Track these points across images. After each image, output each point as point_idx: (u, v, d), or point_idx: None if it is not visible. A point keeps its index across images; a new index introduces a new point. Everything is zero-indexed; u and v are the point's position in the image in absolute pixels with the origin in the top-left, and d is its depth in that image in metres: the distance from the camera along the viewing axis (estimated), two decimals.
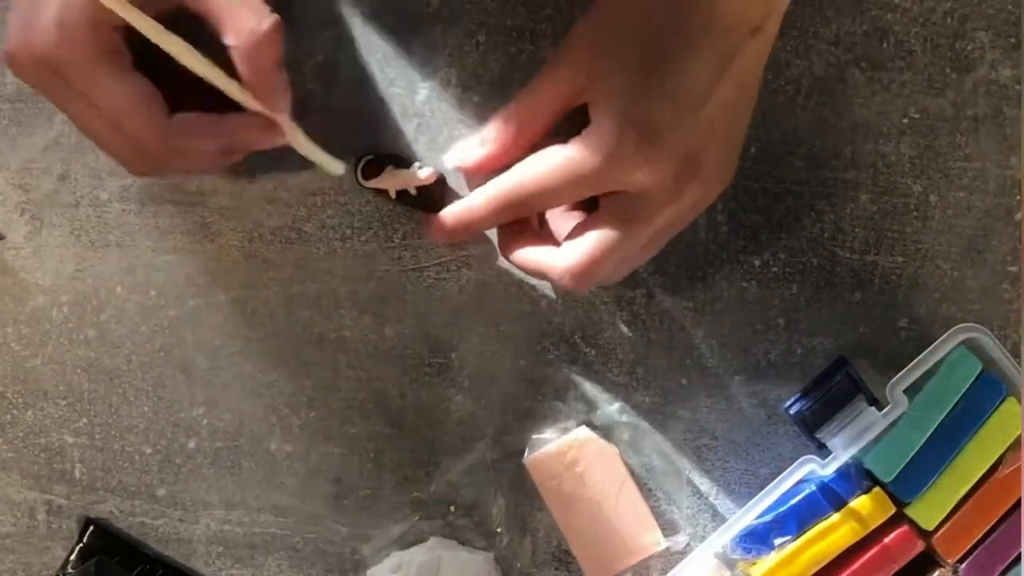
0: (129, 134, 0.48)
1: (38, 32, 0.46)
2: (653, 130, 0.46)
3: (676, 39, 0.46)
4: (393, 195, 0.54)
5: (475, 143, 0.51)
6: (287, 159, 0.55)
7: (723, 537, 0.51)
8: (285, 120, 0.49)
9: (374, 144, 0.55)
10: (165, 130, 0.48)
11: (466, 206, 0.51)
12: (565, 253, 0.50)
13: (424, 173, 0.54)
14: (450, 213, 0.52)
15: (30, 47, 0.46)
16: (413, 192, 0.54)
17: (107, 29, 0.46)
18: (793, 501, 0.52)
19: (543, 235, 0.53)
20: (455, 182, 0.55)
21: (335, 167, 0.52)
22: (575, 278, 0.49)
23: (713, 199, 0.50)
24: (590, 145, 0.47)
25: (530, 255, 0.52)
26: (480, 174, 0.52)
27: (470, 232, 0.52)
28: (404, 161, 0.54)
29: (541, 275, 0.52)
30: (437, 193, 0.54)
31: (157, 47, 0.47)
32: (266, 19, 0.46)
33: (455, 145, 0.53)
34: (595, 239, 0.49)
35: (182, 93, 0.48)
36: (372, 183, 0.54)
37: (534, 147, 0.50)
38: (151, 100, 0.47)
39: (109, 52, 0.47)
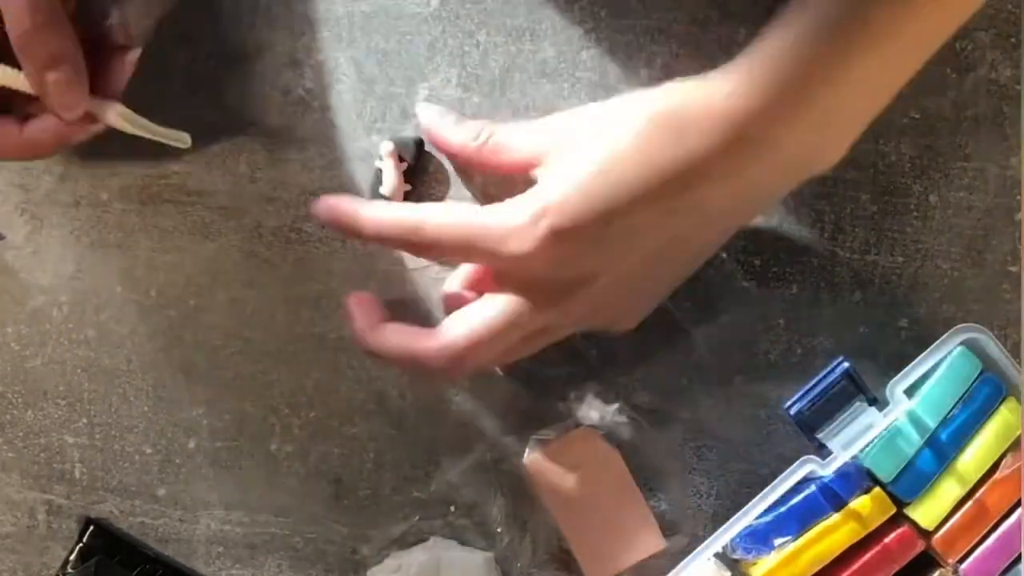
0: None
1: None
2: (570, 231, 0.46)
3: (643, 181, 0.46)
4: (409, 185, 0.54)
5: (449, 124, 0.53)
6: (287, 159, 0.56)
7: (723, 537, 0.51)
8: (102, 107, 0.48)
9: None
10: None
11: (354, 216, 0.51)
12: (439, 332, 0.50)
13: (385, 149, 0.54)
14: (330, 208, 0.51)
15: None
16: (406, 164, 0.54)
17: None
18: (793, 501, 0.52)
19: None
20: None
21: (182, 139, 0.51)
22: (451, 358, 0.49)
23: (588, 328, 0.51)
24: (500, 213, 0.48)
25: (398, 337, 0.51)
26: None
27: (345, 233, 0.52)
28: (375, 173, 0.55)
29: (410, 360, 0.51)
30: (411, 143, 0.54)
31: None
32: (37, 13, 0.44)
33: (433, 107, 0.54)
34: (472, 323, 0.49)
35: None
36: None
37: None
38: None
39: None
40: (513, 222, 0.47)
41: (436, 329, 0.50)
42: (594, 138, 0.47)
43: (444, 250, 0.50)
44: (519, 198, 0.48)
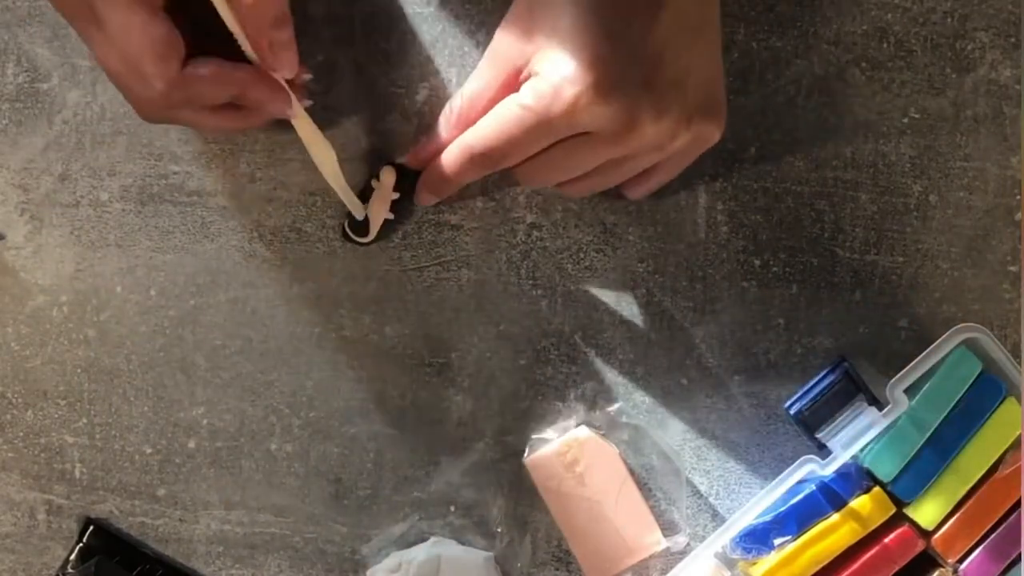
0: (141, 74, 0.47)
1: None
2: (592, 64, 0.46)
3: None
4: (392, 216, 0.54)
5: (427, 138, 0.53)
6: (287, 159, 0.56)
7: (723, 537, 0.51)
8: (292, 95, 0.50)
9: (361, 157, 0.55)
10: (177, 75, 0.47)
11: (438, 169, 0.52)
12: (527, 174, 0.51)
13: (387, 176, 0.54)
14: (426, 177, 0.53)
15: None
16: (397, 195, 0.54)
17: None
18: (793, 501, 0.52)
19: None
20: None
21: (330, 157, 0.53)
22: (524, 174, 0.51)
23: (685, 143, 0.49)
24: (537, 88, 0.47)
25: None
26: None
27: (448, 190, 0.53)
28: (364, 193, 0.55)
29: (469, 164, 0.51)
30: (407, 176, 0.54)
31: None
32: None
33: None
34: (554, 176, 0.50)
35: (208, 45, 0.48)
36: (372, 231, 0.55)
37: None
38: (169, 43, 0.47)
39: None
40: (546, 88, 0.47)
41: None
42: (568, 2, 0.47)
43: (515, 148, 0.49)
44: (538, 74, 0.47)
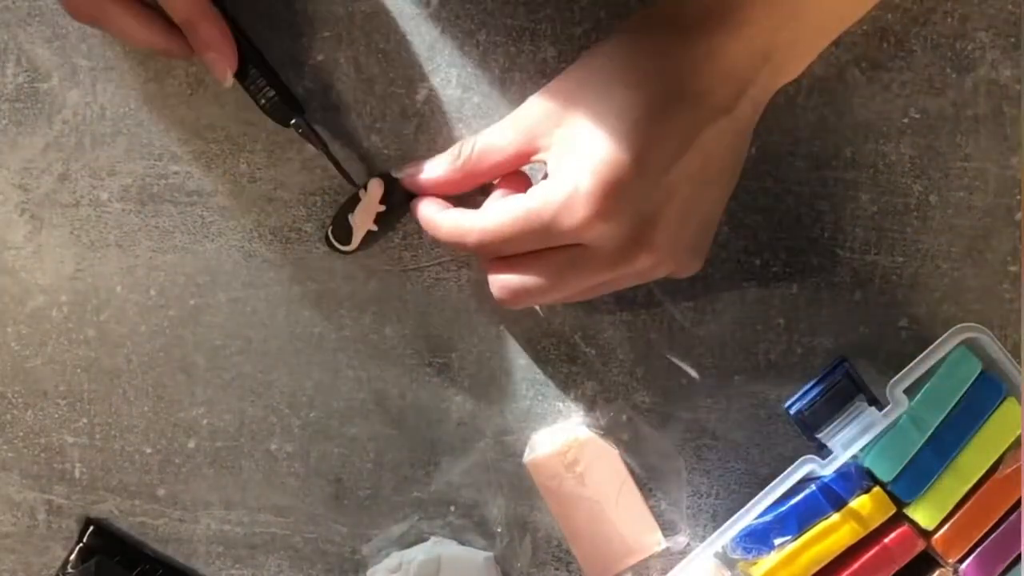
0: None
1: None
2: (611, 185, 0.46)
3: (645, 104, 0.47)
4: (376, 228, 0.54)
5: (429, 166, 0.53)
6: (287, 159, 0.56)
7: (723, 537, 0.51)
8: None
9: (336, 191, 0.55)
10: None
11: (430, 224, 0.53)
12: (496, 267, 0.51)
13: (375, 187, 0.54)
14: (419, 216, 0.53)
15: None
16: (383, 207, 0.54)
17: None
18: (793, 501, 0.52)
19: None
20: None
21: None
22: (504, 296, 0.51)
23: (663, 274, 0.50)
24: (548, 194, 0.48)
25: (451, 218, 0.52)
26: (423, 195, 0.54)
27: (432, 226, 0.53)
28: (350, 202, 0.54)
29: (458, 244, 0.52)
30: (396, 191, 0.54)
31: None
32: None
33: (409, 162, 0.54)
34: (524, 280, 0.50)
35: None
36: (355, 240, 0.54)
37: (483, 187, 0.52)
38: None
39: None
40: (557, 197, 0.47)
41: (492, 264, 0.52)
42: (589, 95, 0.48)
43: (510, 244, 0.50)
44: (553, 176, 0.48)
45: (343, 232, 0.54)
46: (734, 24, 0.46)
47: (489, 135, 0.51)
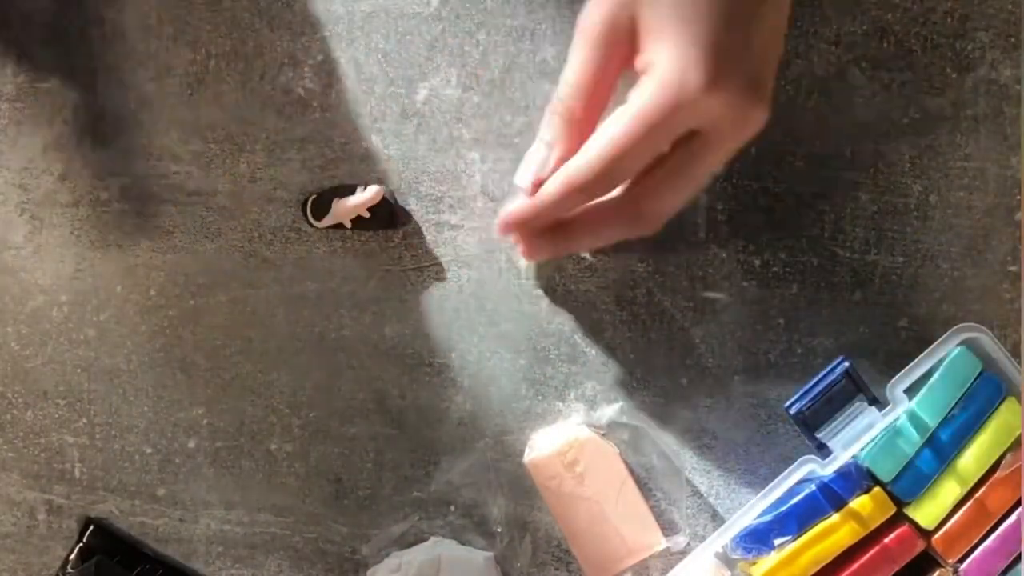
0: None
1: None
2: (717, 54, 0.44)
3: None
4: (349, 225, 0.54)
5: (542, 149, 0.49)
6: (287, 159, 0.56)
7: (723, 537, 0.51)
8: None
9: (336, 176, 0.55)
10: None
11: (541, 195, 0.48)
12: (634, 192, 0.48)
13: (371, 192, 0.54)
14: (520, 209, 0.50)
15: None
16: (367, 215, 0.54)
17: None
18: (793, 501, 0.52)
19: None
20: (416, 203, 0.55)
21: None
22: (655, 224, 0.48)
23: (763, 125, 0.47)
24: (659, 83, 0.44)
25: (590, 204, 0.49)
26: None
27: (543, 221, 0.50)
28: (345, 190, 0.55)
29: (575, 189, 0.48)
30: (386, 210, 0.54)
31: None
32: None
33: (523, 163, 0.50)
34: (662, 197, 0.48)
35: None
36: (325, 222, 0.54)
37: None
38: None
39: None
40: (678, 81, 0.44)
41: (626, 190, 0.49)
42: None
43: (635, 155, 0.46)
44: (660, 63, 0.45)
45: (320, 209, 0.55)
46: None
47: (563, 78, 0.48)
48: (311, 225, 0.55)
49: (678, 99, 0.44)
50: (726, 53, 0.44)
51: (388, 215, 0.55)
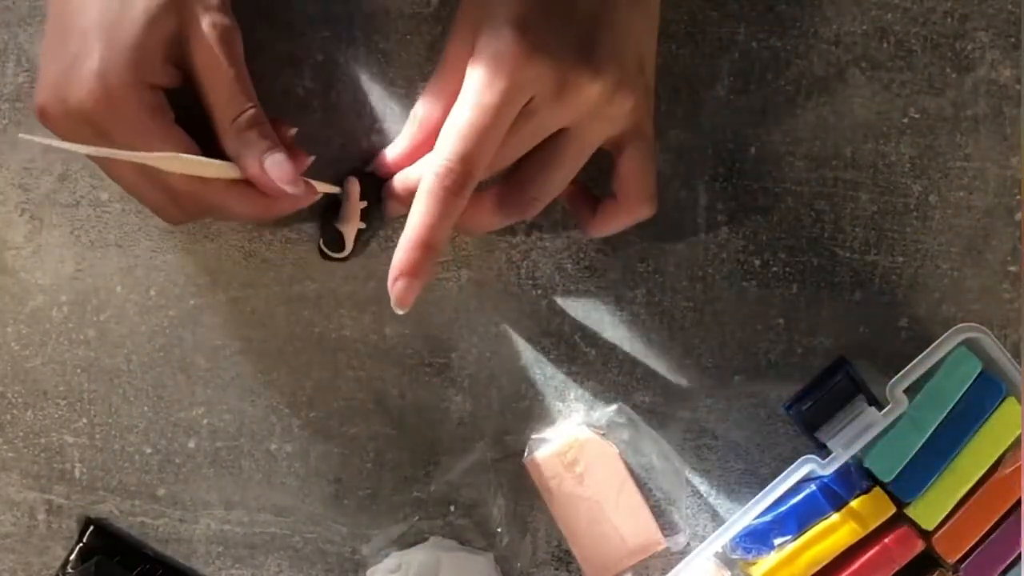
0: (167, 188, 0.48)
1: (76, 87, 0.46)
2: (527, 24, 0.45)
3: None
4: (364, 224, 0.54)
5: (392, 146, 0.53)
6: None
7: (723, 537, 0.51)
8: (301, 187, 0.49)
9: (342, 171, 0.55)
10: (201, 187, 0.48)
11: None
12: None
13: (351, 186, 0.54)
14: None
15: (66, 102, 0.46)
16: (365, 204, 0.54)
17: (149, 88, 0.47)
18: (793, 501, 0.52)
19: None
20: None
21: (334, 188, 0.53)
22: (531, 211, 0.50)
23: (628, 106, 0.48)
24: (478, 65, 0.46)
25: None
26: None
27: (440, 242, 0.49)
28: (331, 207, 0.54)
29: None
30: (375, 181, 0.54)
31: (197, 101, 0.48)
32: (247, 110, 0.47)
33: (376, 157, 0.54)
34: (539, 159, 0.50)
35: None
36: (348, 246, 0.54)
37: None
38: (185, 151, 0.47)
39: (152, 109, 0.47)
40: (498, 59, 0.46)
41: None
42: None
43: (493, 141, 0.47)
44: (480, 48, 0.47)
45: (334, 240, 0.54)
46: None
47: (428, 92, 0.51)
48: (342, 260, 0.55)
49: (497, 74, 0.46)
50: (540, 22, 0.46)
51: (379, 185, 0.54)
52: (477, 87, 0.46)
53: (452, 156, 0.47)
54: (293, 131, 0.51)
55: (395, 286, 0.48)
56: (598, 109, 0.48)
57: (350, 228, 0.54)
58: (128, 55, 0.46)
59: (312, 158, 0.51)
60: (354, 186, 0.53)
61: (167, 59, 0.47)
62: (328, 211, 0.54)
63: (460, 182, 0.47)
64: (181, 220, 0.51)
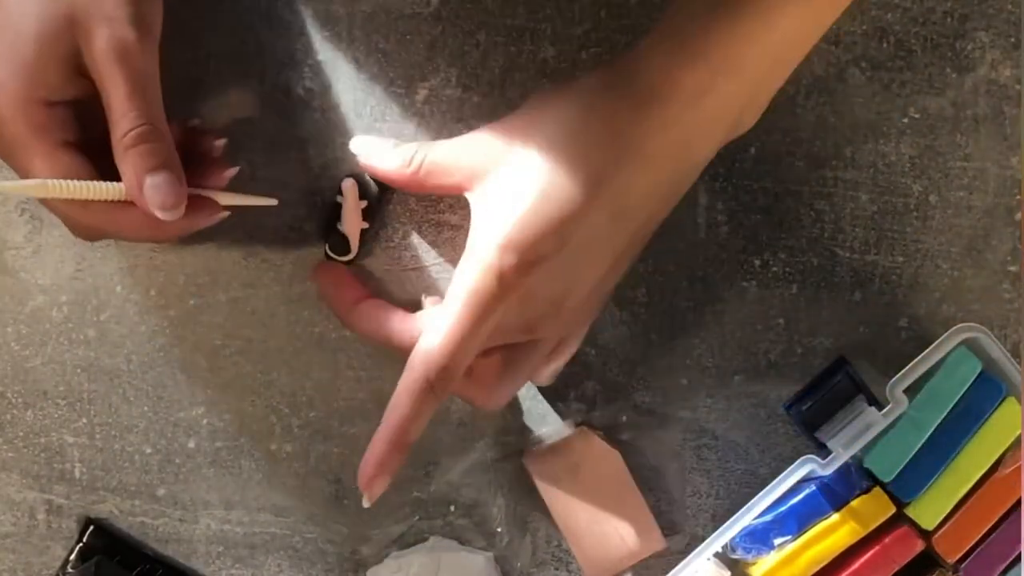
0: (55, 210, 0.48)
1: None
2: (526, 258, 0.46)
3: (585, 171, 0.46)
4: (367, 224, 0.54)
5: (379, 155, 0.52)
6: (287, 159, 0.56)
7: (723, 537, 0.51)
8: (176, 213, 0.47)
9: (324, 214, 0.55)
10: (81, 211, 0.47)
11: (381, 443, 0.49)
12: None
13: (349, 188, 0.53)
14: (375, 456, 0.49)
15: None
16: (365, 203, 0.54)
17: (39, 105, 0.46)
18: (793, 501, 0.52)
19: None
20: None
21: (270, 200, 0.53)
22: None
23: (546, 341, 0.50)
24: (475, 266, 0.47)
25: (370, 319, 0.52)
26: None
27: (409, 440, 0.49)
28: (332, 211, 0.54)
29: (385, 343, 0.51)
30: (373, 179, 0.54)
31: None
32: (136, 128, 0.46)
33: (364, 138, 0.53)
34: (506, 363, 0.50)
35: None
36: (353, 251, 0.54)
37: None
38: (80, 177, 0.46)
39: (37, 128, 0.46)
40: (494, 268, 0.46)
41: (411, 321, 0.51)
42: (524, 158, 0.47)
43: (482, 342, 0.48)
44: (468, 253, 0.47)
45: (339, 243, 0.54)
46: (693, 94, 0.46)
47: (440, 154, 0.50)
48: (348, 262, 0.55)
49: (498, 281, 0.46)
50: (540, 254, 0.46)
51: (377, 183, 0.54)
52: (471, 283, 0.47)
53: (441, 357, 0.47)
54: (220, 143, 0.51)
55: (373, 484, 0.48)
56: (527, 334, 0.49)
57: (353, 229, 0.54)
58: (20, 72, 0.45)
59: (235, 169, 0.51)
60: (352, 188, 0.54)
61: (74, 73, 0.46)
62: (329, 215, 0.54)
63: (445, 384, 0.47)
64: (85, 238, 0.50)
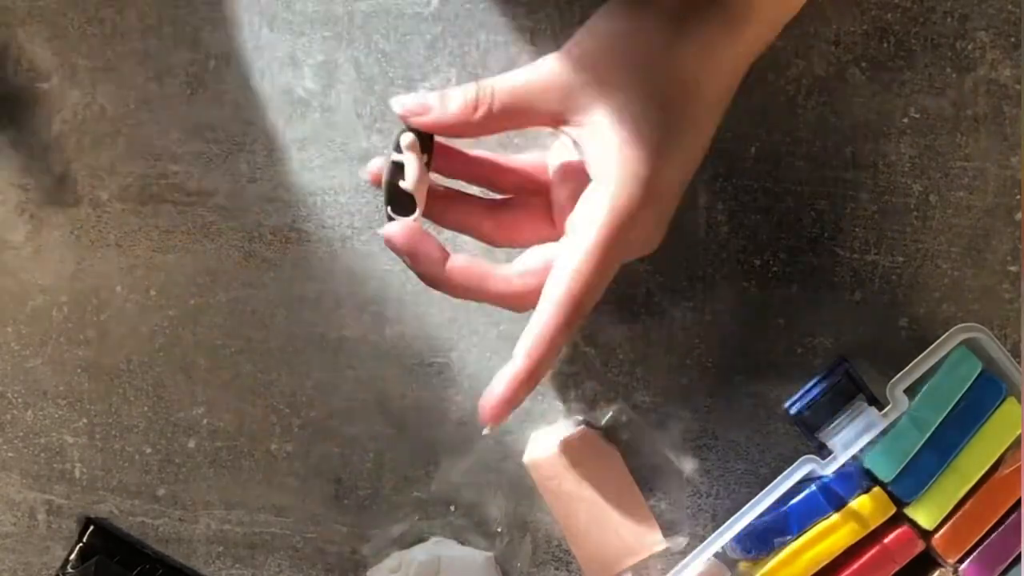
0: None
1: None
2: (651, 184, 0.46)
3: (660, 98, 0.46)
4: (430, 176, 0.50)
5: (437, 106, 0.47)
6: (287, 159, 0.56)
7: (723, 537, 0.51)
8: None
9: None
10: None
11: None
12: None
13: (409, 142, 0.48)
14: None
15: None
16: (427, 158, 0.49)
17: None
18: (793, 501, 0.52)
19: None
20: None
21: None
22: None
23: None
24: (612, 206, 0.46)
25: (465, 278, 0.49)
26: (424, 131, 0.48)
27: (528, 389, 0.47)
28: (392, 166, 0.48)
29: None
30: (424, 135, 0.49)
31: None
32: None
33: (409, 96, 0.48)
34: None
35: None
36: (420, 209, 0.49)
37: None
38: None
39: None
40: (623, 217, 0.46)
41: (508, 274, 0.49)
42: (613, 79, 0.46)
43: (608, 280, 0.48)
44: (591, 201, 0.46)
45: (403, 204, 0.49)
46: (738, 22, 0.47)
47: (513, 89, 0.47)
48: (414, 220, 0.49)
49: (630, 218, 0.46)
50: (656, 189, 0.46)
51: (427, 136, 0.49)
52: (604, 224, 0.46)
53: (588, 274, 0.46)
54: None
55: (499, 418, 0.47)
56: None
57: (422, 186, 0.49)
58: None
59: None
60: (413, 142, 0.48)
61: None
62: (392, 176, 0.48)
63: (587, 309, 0.47)
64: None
